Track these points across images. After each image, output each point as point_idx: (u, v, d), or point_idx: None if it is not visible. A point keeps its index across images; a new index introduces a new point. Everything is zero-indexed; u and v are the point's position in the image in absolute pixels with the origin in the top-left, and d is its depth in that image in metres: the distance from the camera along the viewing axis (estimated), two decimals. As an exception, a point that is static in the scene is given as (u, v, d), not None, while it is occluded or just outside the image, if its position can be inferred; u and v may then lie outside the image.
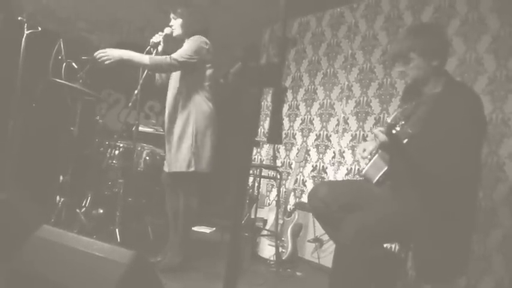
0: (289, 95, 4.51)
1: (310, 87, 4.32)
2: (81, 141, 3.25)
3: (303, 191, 4.14)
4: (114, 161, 3.30)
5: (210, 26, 2.90)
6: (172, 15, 2.86)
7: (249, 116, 0.94)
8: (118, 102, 5.03)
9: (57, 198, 3.09)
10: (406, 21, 3.54)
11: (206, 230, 4.37)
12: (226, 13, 4.43)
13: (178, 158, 2.75)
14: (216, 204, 4.58)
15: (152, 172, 3.41)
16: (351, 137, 3.82)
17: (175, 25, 2.84)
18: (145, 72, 2.81)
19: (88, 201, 3.31)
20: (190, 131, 2.75)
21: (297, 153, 3.70)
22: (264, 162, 4.60)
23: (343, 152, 3.86)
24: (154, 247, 3.07)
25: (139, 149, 3.39)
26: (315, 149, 4.12)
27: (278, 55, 0.99)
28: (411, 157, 1.73)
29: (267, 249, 3.48)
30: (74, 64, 3.20)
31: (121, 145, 3.32)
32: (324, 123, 4.09)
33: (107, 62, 2.57)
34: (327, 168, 3.99)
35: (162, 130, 3.89)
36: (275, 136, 0.95)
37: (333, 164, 3.93)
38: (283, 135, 4.48)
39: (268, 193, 4.50)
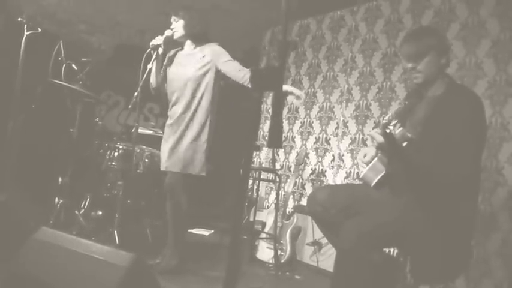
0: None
1: (309, 90, 4.32)
2: (81, 142, 3.25)
3: (302, 194, 4.14)
4: (113, 163, 3.30)
5: (210, 30, 2.91)
6: (173, 18, 2.86)
7: (249, 119, 0.94)
8: (117, 104, 5.03)
9: (56, 199, 3.09)
10: (406, 24, 3.54)
11: (205, 232, 4.37)
12: (227, 16, 4.44)
13: (192, 160, 2.77)
14: (215, 206, 4.58)
15: (151, 174, 3.41)
16: (350, 141, 3.82)
17: (177, 27, 2.84)
18: (145, 75, 2.81)
19: (87, 203, 3.30)
20: (194, 133, 2.78)
21: (296, 156, 3.70)
22: (263, 165, 4.60)
23: (343, 155, 3.86)
24: (153, 249, 3.06)
25: (138, 151, 3.39)
26: (314, 152, 4.12)
27: (278, 58, 0.99)
28: (409, 158, 1.73)
29: (265, 252, 3.47)
30: (73, 66, 3.20)
31: (120, 147, 3.32)
32: (324, 127, 4.09)
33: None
34: (326, 171, 3.98)
35: (161, 132, 3.89)
36: (275, 140, 0.95)
37: (332, 167, 3.93)
38: (282, 139, 4.48)
39: (267, 196, 4.49)
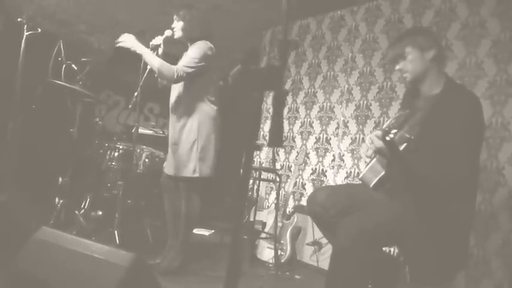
0: (289, 97, 4.50)
1: (310, 90, 4.32)
2: (81, 143, 3.25)
3: (302, 194, 4.14)
4: (113, 163, 3.30)
5: (213, 32, 2.90)
6: (175, 17, 2.85)
7: (250, 119, 0.93)
8: (117, 104, 5.04)
9: (57, 200, 3.09)
10: (407, 24, 3.54)
11: (205, 232, 4.37)
12: (227, 17, 4.44)
13: (186, 162, 2.75)
14: (215, 206, 4.58)
15: (151, 174, 3.42)
16: (350, 141, 3.82)
17: (177, 27, 2.83)
18: (145, 74, 2.81)
19: (87, 203, 3.30)
20: (196, 135, 2.76)
21: (297, 156, 3.70)
22: (263, 165, 4.60)
23: (343, 155, 3.85)
24: (154, 249, 3.06)
25: (138, 151, 3.39)
26: (315, 152, 4.12)
27: (279, 58, 0.99)
28: (407, 163, 1.73)
29: (266, 252, 3.47)
30: (73, 66, 3.20)
31: (120, 147, 3.32)
32: (324, 127, 4.09)
33: (118, 45, 2.67)
34: (326, 171, 3.98)
35: (161, 132, 3.90)
36: (276, 140, 0.95)
37: (333, 167, 3.92)
38: (284, 138, 4.47)
39: (267, 196, 4.49)
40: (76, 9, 4.37)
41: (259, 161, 4.70)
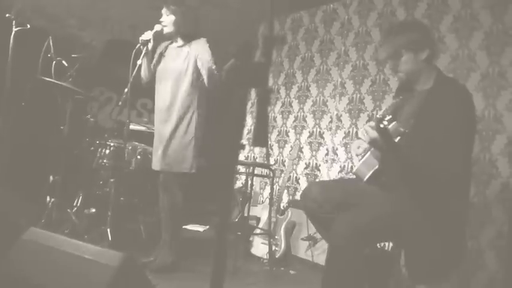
0: (282, 92, 4.48)
1: (303, 84, 4.30)
2: (72, 140, 3.22)
3: (296, 189, 4.13)
4: (105, 160, 3.27)
5: (201, 30, 2.88)
6: (164, 10, 2.82)
7: (234, 117, 0.91)
8: (110, 100, 4.98)
9: (48, 198, 3.06)
10: (399, 17, 3.52)
11: (200, 228, 4.36)
12: (220, 10, 4.39)
13: (182, 158, 2.75)
14: (209, 202, 4.56)
15: (144, 171, 3.38)
16: (344, 134, 3.81)
17: (167, 22, 2.80)
18: (135, 70, 2.78)
19: (79, 201, 3.28)
20: (193, 131, 2.77)
21: (290, 151, 3.69)
22: (257, 160, 4.58)
23: (337, 149, 3.84)
24: (147, 247, 3.04)
25: (130, 148, 3.36)
26: (308, 147, 4.11)
27: (264, 55, 0.96)
28: (402, 153, 1.72)
29: (260, 248, 3.46)
30: (64, 62, 3.17)
31: (112, 144, 3.29)
32: (317, 121, 4.08)
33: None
34: (320, 165, 3.97)
35: (153, 128, 3.86)
36: (260, 139, 0.93)
37: (326, 161, 3.91)
38: (276, 133, 4.46)
39: (261, 191, 4.48)
40: (66, 4, 4.30)
41: (253, 156, 4.68)
